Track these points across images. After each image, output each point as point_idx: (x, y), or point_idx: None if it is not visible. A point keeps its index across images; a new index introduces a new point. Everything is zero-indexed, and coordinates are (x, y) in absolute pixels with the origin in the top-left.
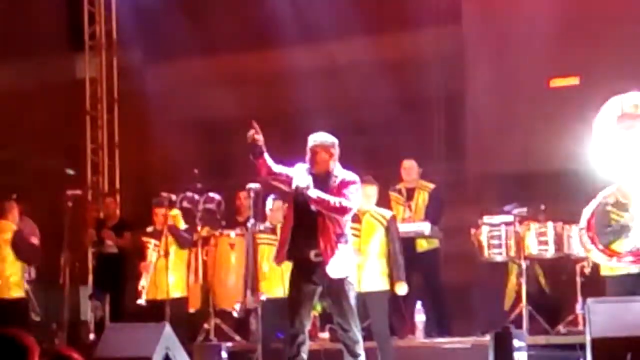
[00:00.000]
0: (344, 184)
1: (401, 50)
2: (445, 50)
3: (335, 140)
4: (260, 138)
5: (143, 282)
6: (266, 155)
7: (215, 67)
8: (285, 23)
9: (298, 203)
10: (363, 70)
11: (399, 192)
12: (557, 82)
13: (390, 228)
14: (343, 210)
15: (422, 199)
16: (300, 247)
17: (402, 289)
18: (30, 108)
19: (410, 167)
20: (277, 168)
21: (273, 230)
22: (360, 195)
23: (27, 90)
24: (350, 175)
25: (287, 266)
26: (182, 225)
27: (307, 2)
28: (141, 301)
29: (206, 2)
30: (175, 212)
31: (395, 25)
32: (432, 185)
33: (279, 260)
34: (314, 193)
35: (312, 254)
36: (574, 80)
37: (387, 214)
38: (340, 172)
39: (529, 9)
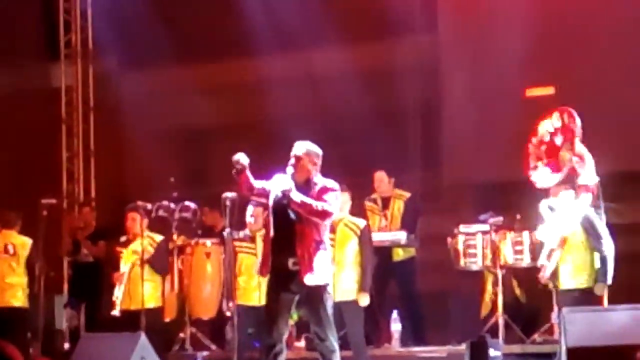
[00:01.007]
0: (324, 190)
1: (377, 59)
2: (421, 60)
3: (320, 152)
4: (245, 164)
5: (117, 293)
6: (247, 172)
7: (191, 75)
8: (262, 32)
9: (277, 213)
10: (339, 79)
11: (374, 201)
12: (533, 92)
13: (362, 237)
14: (324, 214)
15: (397, 207)
16: (279, 256)
17: (364, 299)
18: (5, 116)
19: (380, 179)
20: (257, 183)
21: (252, 239)
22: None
23: (2, 98)
24: (330, 183)
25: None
26: (157, 238)
27: (285, 12)
28: (115, 312)
29: (183, 10)
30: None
31: (371, 35)
32: (407, 194)
33: (264, 272)
34: (296, 196)
35: (290, 262)
36: (549, 90)
37: (361, 223)
38: (320, 180)
39: (504, 19)
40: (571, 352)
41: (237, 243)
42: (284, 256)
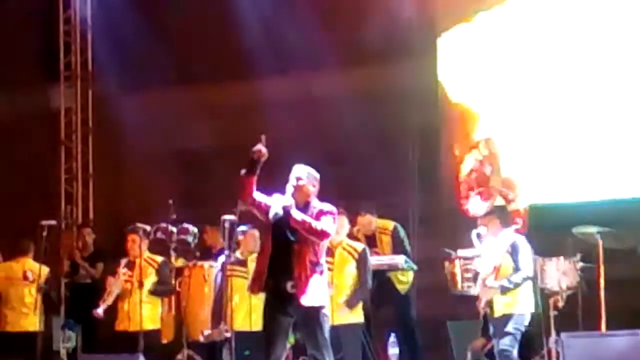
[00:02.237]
0: (322, 212)
1: (376, 83)
2: (421, 84)
3: (318, 176)
4: (265, 155)
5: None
6: (255, 179)
7: (190, 98)
8: (261, 55)
9: (275, 232)
10: (338, 102)
11: (356, 239)
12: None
13: (360, 261)
14: (322, 234)
15: (385, 242)
16: (277, 278)
17: (342, 310)
18: (4, 137)
19: (368, 223)
20: (258, 195)
21: (243, 263)
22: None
23: (1, 119)
24: (328, 206)
25: (256, 299)
26: (158, 259)
27: (283, 34)
28: (100, 310)
29: (182, 33)
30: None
31: (370, 59)
32: (390, 226)
33: (255, 290)
34: (297, 214)
35: (288, 285)
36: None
37: (359, 246)
38: (318, 204)
39: (503, 45)
40: None
41: (229, 267)
42: (281, 278)
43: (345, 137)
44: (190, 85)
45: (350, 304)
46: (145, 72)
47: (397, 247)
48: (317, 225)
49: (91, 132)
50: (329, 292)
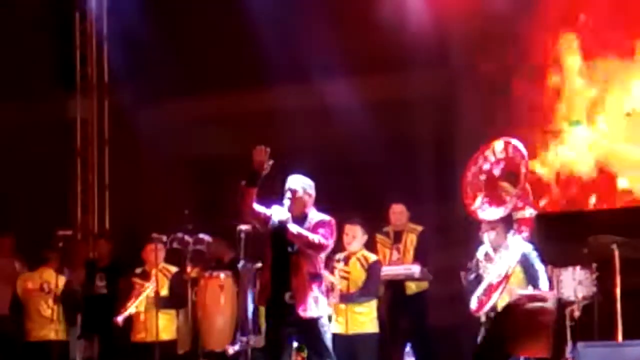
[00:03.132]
0: (320, 224)
1: (391, 91)
2: (435, 91)
3: (313, 184)
4: (267, 169)
5: (132, 309)
6: (255, 190)
7: (206, 107)
8: (276, 63)
9: (274, 244)
10: (353, 110)
11: (387, 234)
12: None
13: (369, 271)
14: (320, 247)
15: (410, 241)
16: (276, 289)
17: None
18: (21, 148)
19: (401, 212)
20: (257, 207)
21: None
22: (348, 237)
23: (18, 130)
24: (325, 217)
25: None
26: (172, 269)
27: (299, 43)
28: (120, 319)
29: (198, 43)
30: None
31: (385, 66)
32: (420, 228)
33: (263, 302)
34: (293, 228)
35: (287, 296)
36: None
37: (371, 258)
38: (315, 214)
39: (517, 51)
40: None
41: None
42: (281, 289)
43: (361, 145)
44: (206, 95)
45: (344, 298)
46: (161, 82)
47: (421, 250)
48: (314, 238)
49: (107, 142)
50: (332, 300)
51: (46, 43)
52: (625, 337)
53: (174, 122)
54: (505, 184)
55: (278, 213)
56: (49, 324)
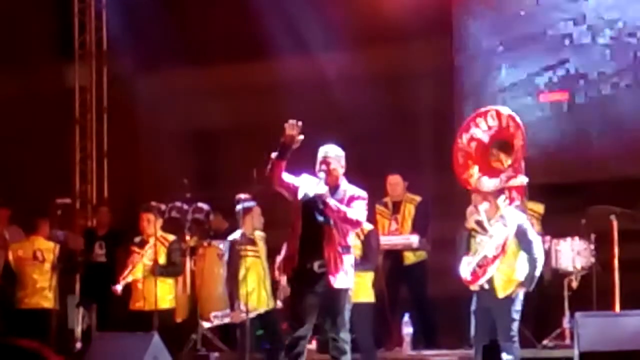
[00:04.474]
0: (354, 198)
1: (390, 62)
2: (436, 63)
3: (344, 154)
4: (297, 143)
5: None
6: (284, 162)
7: (205, 77)
8: (276, 34)
9: (304, 214)
10: (353, 82)
11: (385, 205)
12: (548, 97)
13: (366, 240)
14: (356, 224)
15: (408, 211)
16: (304, 258)
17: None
18: (19, 116)
19: (395, 183)
20: (287, 176)
21: (252, 242)
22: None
23: (16, 99)
24: (359, 191)
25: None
26: (170, 238)
27: (298, 15)
28: (119, 287)
29: (197, 12)
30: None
31: (386, 38)
32: (419, 198)
33: (289, 272)
34: (333, 203)
35: (316, 265)
36: (564, 95)
37: (367, 227)
38: (348, 186)
39: (518, 24)
40: (584, 356)
41: (240, 247)
42: (310, 258)
43: (361, 116)
44: (206, 65)
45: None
46: (160, 51)
47: (420, 220)
48: (352, 215)
49: (105, 111)
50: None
51: (44, 10)
52: (622, 308)
53: (173, 90)
54: (496, 152)
55: (313, 186)
56: (42, 291)
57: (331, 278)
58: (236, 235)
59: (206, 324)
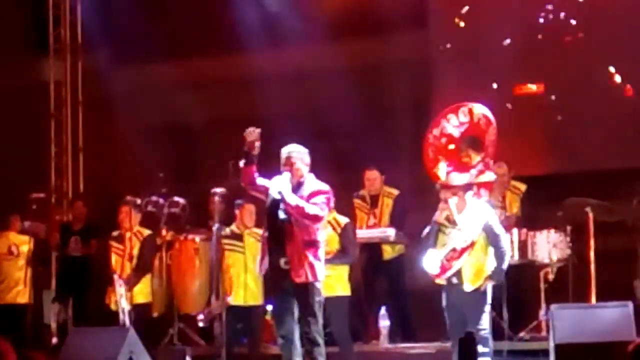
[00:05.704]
0: (315, 193)
1: (367, 56)
2: (412, 56)
3: (307, 151)
4: (257, 149)
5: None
6: (254, 167)
7: (181, 71)
8: (252, 28)
9: (270, 213)
10: (329, 75)
11: (363, 199)
12: (523, 89)
13: (342, 233)
14: (315, 218)
15: (386, 205)
16: (272, 256)
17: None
18: None
19: (373, 179)
20: (259, 180)
21: (239, 237)
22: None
23: None
24: (320, 185)
25: (249, 274)
26: (145, 232)
27: (274, 8)
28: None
29: (173, 6)
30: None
31: (361, 31)
32: (396, 192)
33: (262, 269)
34: (291, 199)
35: (282, 261)
36: (539, 87)
37: (343, 220)
38: (312, 182)
39: (496, 15)
40: (559, 348)
41: (225, 240)
42: (276, 255)
43: (337, 110)
44: (181, 59)
45: (333, 258)
46: (135, 45)
47: (397, 214)
48: (310, 209)
49: (81, 105)
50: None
51: (19, 4)
52: (598, 299)
53: (148, 84)
54: (465, 148)
55: (277, 185)
56: (17, 287)
57: (294, 273)
58: (228, 228)
59: (201, 324)
